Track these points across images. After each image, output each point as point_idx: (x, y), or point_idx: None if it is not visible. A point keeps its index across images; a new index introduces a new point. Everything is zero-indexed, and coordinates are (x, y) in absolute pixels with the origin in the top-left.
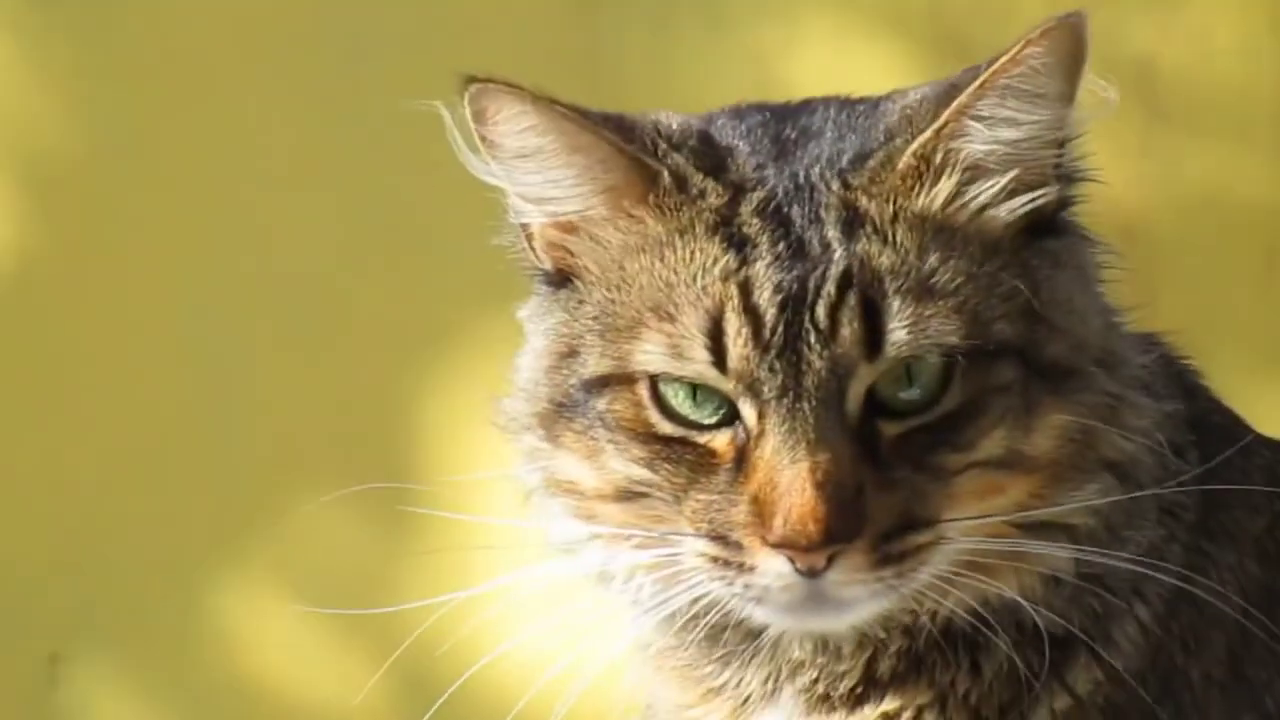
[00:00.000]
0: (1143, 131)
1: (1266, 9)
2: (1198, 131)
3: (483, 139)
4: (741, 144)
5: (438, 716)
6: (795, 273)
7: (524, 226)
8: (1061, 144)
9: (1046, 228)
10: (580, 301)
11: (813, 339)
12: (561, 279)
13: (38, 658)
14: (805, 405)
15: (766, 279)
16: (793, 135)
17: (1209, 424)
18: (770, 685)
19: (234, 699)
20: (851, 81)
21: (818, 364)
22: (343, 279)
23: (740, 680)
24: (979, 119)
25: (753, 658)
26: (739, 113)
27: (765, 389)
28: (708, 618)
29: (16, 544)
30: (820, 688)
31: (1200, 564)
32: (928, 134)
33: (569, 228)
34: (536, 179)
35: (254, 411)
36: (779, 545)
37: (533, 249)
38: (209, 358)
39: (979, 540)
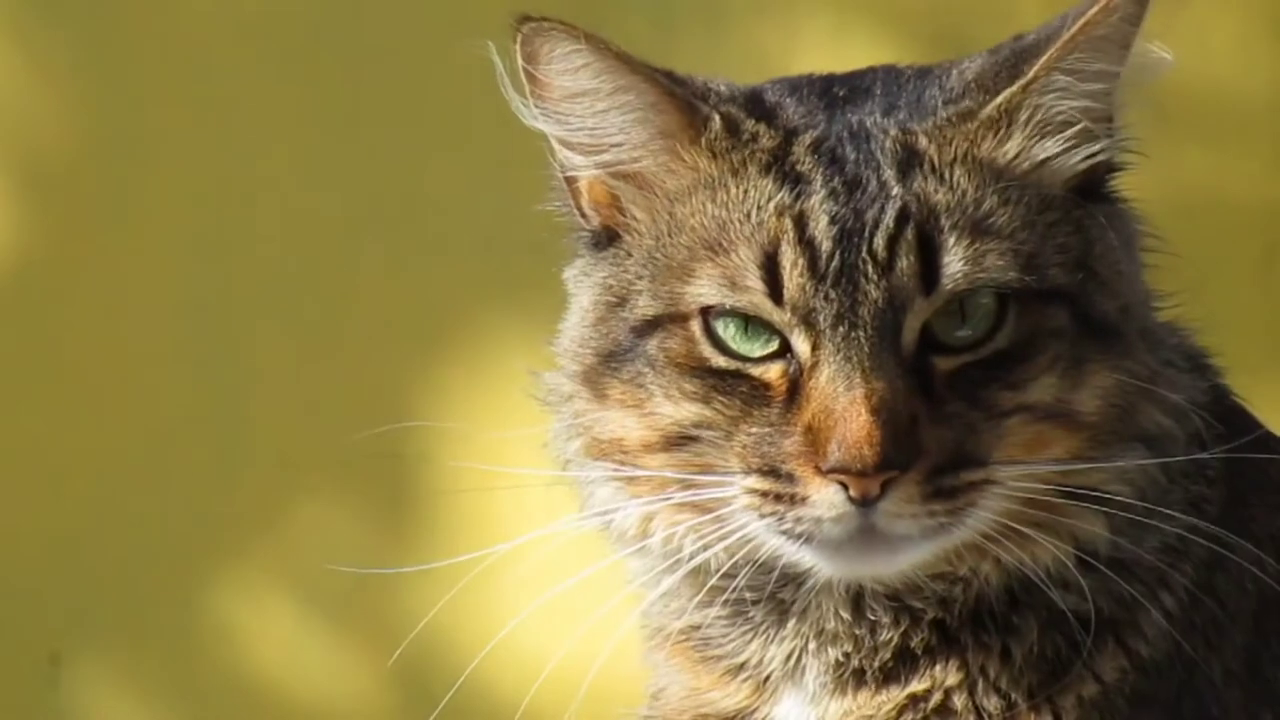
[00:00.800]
0: (1141, 130)
1: (1265, 9)
2: (1196, 131)
3: (534, 80)
4: (789, 99)
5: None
6: (852, 206)
7: (570, 181)
8: (1114, 107)
9: (1097, 193)
10: (628, 253)
11: (870, 270)
12: (608, 237)
13: (38, 658)
14: (861, 334)
15: (822, 211)
16: (841, 93)
17: (1233, 420)
18: (793, 662)
19: (233, 698)
20: None
21: (874, 294)
22: (343, 277)
23: (763, 658)
24: (1069, 72)
25: (779, 631)
26: (783, 81)
27: (820, 319)
28: (742, 578)
29: (16, 544)
30: (854, 661)
31: (1223, 559)
32: (1015, 88)
33: (619, 174)
34: (588, 122)
35: (254, 411)
36: (834, 470)
37: (579, 207)
38: (209, 357)
39: (1024, 491)
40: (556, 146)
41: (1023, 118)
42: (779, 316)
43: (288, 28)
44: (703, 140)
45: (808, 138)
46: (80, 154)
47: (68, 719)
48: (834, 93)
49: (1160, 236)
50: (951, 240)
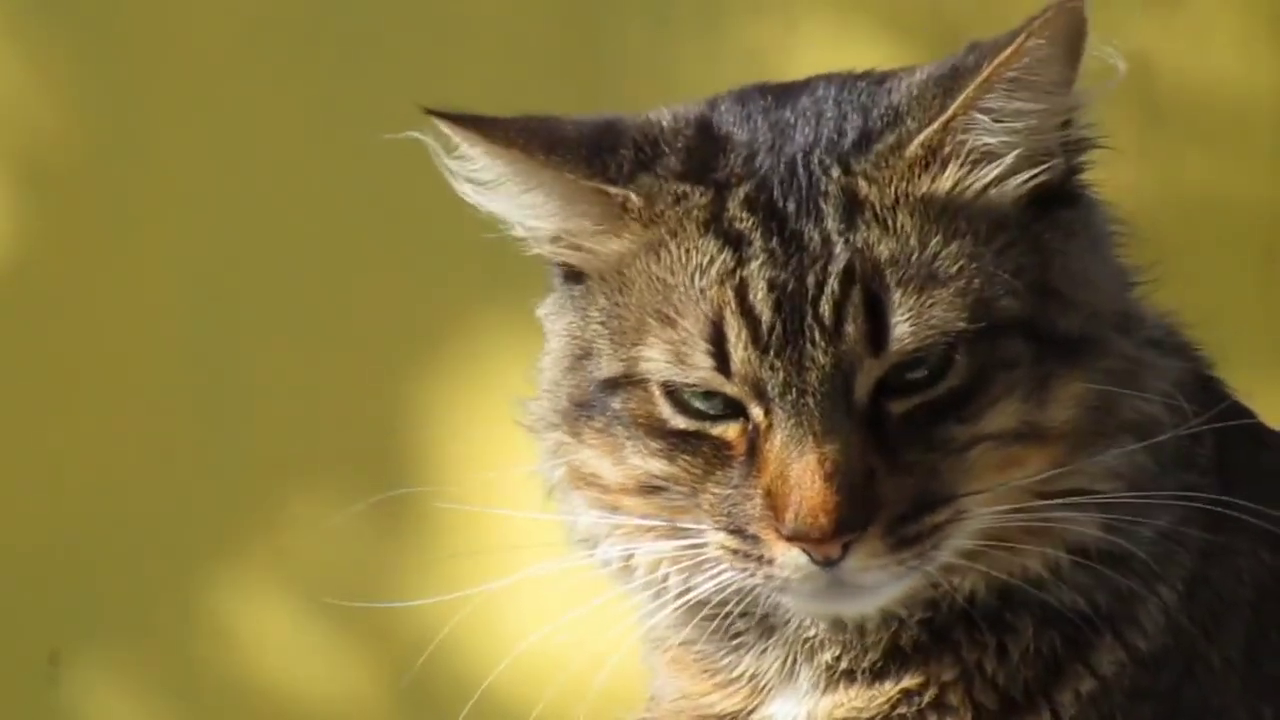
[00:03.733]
0: (1141, 131)
1: (1265, 8)
2: (1196, 131)
3: (455, 169)
4: (738, 131)
5: (443, 714)
6: (792, 269)
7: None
8: (1067, 120)
9: (1056, 198)
10: (592, 298)
11: (816, 335)
12: (574, 274)
13: (38, 657)
14: (810, 400)
15: (762, 278)
16: (792, 119)
17: (1217, 405)
18: (787, 667)
19: (234, 698)
20: None
21: (822, 359)
22: (343, 277)
23: (757, 668)
24: (985, 112)
25: (768, 643)
26: (742, 96)
27: (769, 388)
28: (731, 606)
29: (16, 543)
30: (843, 663)
31: (1219, 550)
32: (934, 127)
33: (561, 242)
34: (509, 205)
35: (254, 410)
36: (793, 539)
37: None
38: (209, 357)
39: (1003, 511)
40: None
41: (947, 152)
42: (730, 388)
43: (288, 28)
44: (627, 218)
45: (742, 192)
46: (80, 154)
47: (67, 718)
48: (784, 120)
49: (1128, 223)
50: (898, 297)
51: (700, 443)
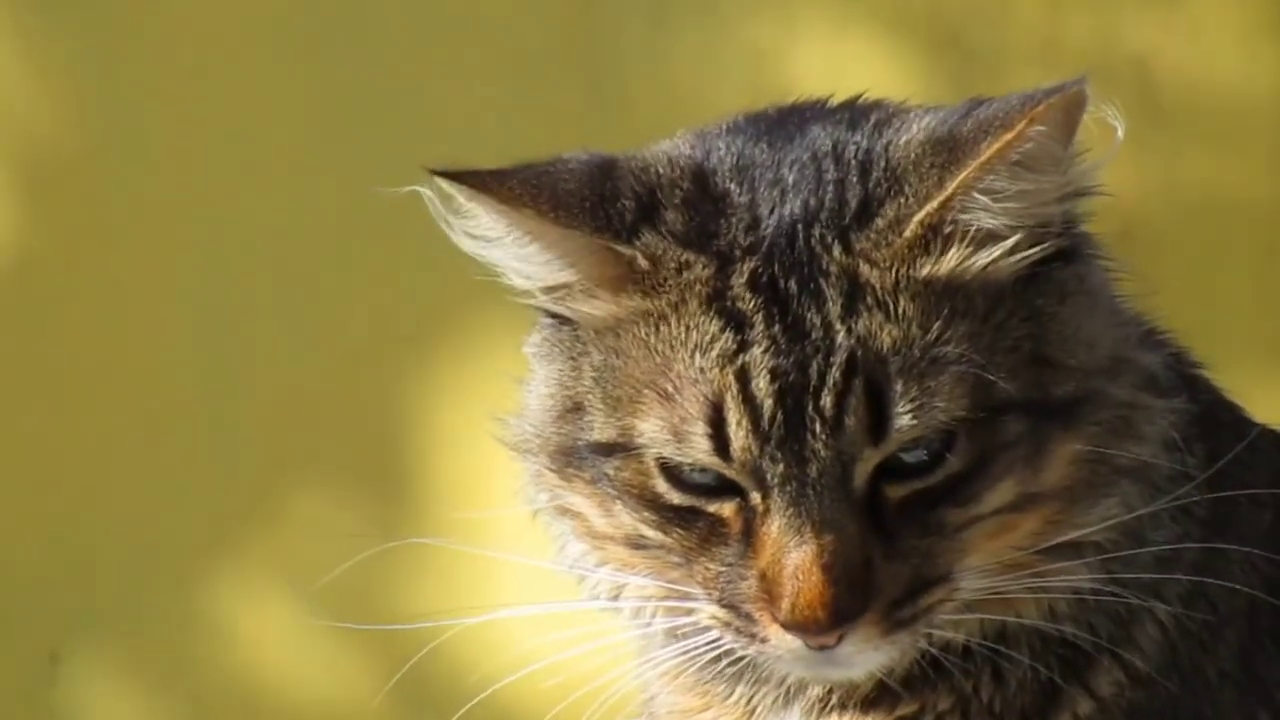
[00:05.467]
0: (1141, 130)
1: (1265, 7)
2: (1196, 130)
3: (454, 223)
4: (735, 190)
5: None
6: (794, 357)
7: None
8: (1066, 193)
9: (1054, 261)
10: (583, 351)
11: (817, 428)
12: (564, 318)
13: (38, 657)
14: (810, 491)
15: (764, 365)
16: (789, 178)
17: (1215, 420)
18: (782, 700)
19: (233, 698)
20: (851, 80)
21: (823, 452)
22: (343, 276)
23: (752, 696)
24: (985, 193)
25: (759, 675)
26: (734, 134)
27: (768, 477)
28: (722, 657)
29: (16, 543)
30: (834, 698)
31: (1213, 561)
32: (933, 206)
33: (557, 296)
34: (509, 260)
35: (253, 411)
36: (788, 627)
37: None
38: (208, 356)
39: (995, 578)
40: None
41: (948, 232)
42: (728, 471)
43: (288, 28)
44: (630, 284)
45: (746, 268)
46: (80, 154)
47: (66, 717)
48: (781, 177)
49: (1124, 261)
50: (899, 387)
51: (695, 518)
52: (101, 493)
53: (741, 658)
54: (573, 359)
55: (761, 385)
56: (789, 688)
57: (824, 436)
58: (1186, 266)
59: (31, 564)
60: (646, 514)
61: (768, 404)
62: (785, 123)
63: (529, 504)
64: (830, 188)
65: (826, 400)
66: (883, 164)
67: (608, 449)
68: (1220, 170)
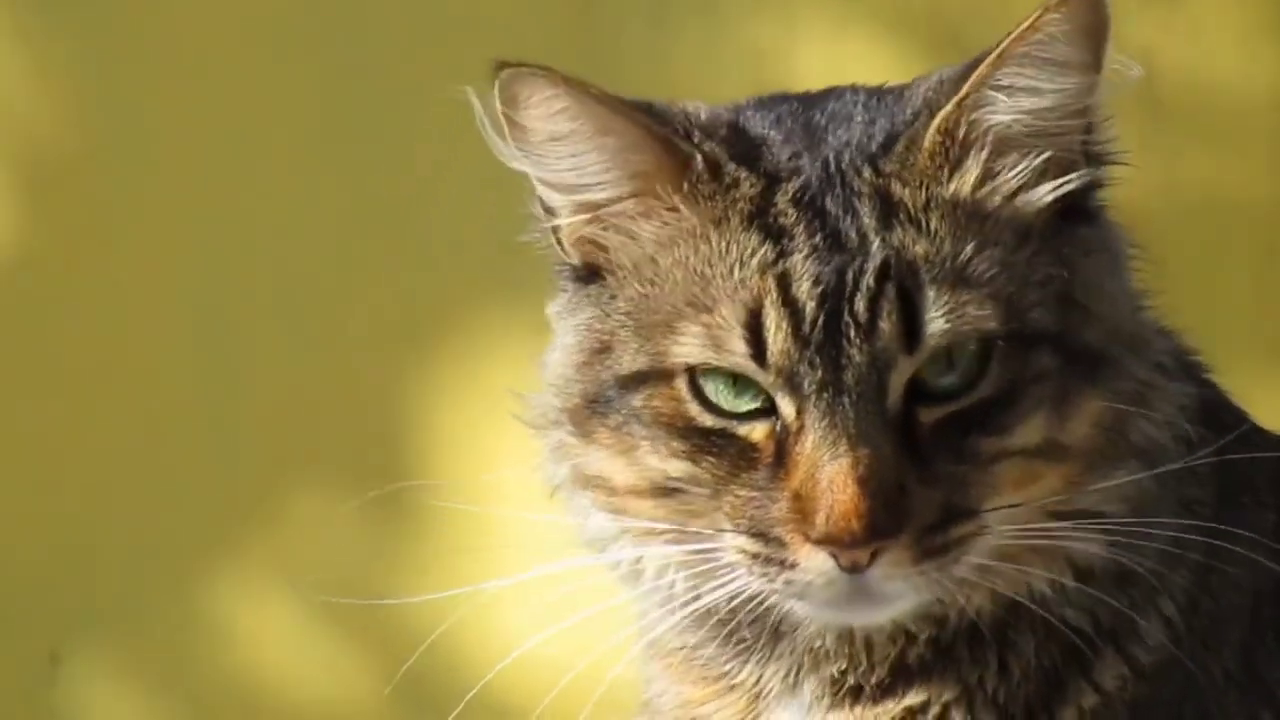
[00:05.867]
0: (1141, 129)
1: (1265, 7)
2: (1196, 130)
3: (513, 125)
4: (773, 132)
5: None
6: (833, 265)
7: (551, 216)
8: (1089, 124)
9: (1077, 214)
10: (612, 296)
11: (853, 333)
12: (590, 274)
13: (38, 657)
14: (845, 400)
15: (805, 271)
16: (822, 121)
17: (1218, 419)
18: (792, 679)
19: (233, 698)
20: (851, 80)
21: (858, 357)
22: (343, 274)
23: (760, 676)
24: (999, 88)
25: (773, 651)
26: (765, 103)
27: (805, 384)
28: (740, 614)
29: (16, 543)
30: (849, 679)
31: (1217, 558)
32: (949, 106)
33: (600, 217)
34: (568, 164)
35: (253, 409)
36: (822, 542)
37: (560, 244)
38: (208, 356)
39: (1017, 529)
40: (538, 185)
41: (964, 134)
42: (763, 378)
43: (288, 28)
44: (684, 184)
45: (790, 187)
46: (80, 154)
47: (66, 717)
48: (815, 122)
49: (1142, 246)
50: (932, 294)
51: (726, 443)
52: (101, 493)
53: (755, 621)
54: (600, 306)
55: (804, 288)
56: (799, 664)
57: (859, 341)
58: (1186, 266)
59: (31, 564)
60: (676, 445)
61: (810, 306)
62: (812, 94)
63: (549, 480)
64: (859, 127)
65: (860, 304)
66: (908, 106)
67: (638, 379)
68: (1220, 170)
